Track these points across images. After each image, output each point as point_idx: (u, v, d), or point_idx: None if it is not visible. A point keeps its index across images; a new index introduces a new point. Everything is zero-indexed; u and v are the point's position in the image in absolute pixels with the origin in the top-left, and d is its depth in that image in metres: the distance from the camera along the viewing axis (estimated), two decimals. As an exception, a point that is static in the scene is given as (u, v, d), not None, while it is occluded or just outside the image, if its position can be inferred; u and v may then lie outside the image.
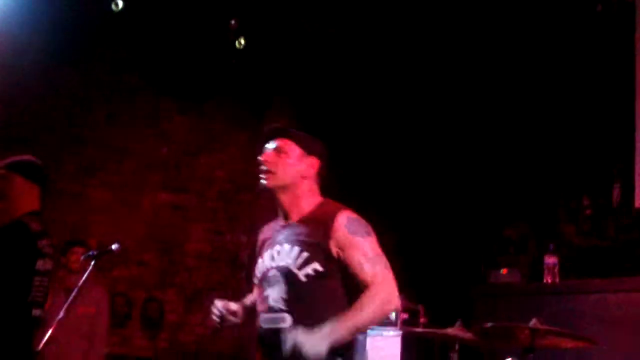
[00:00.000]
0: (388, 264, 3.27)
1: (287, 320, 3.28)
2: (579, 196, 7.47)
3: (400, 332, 6.11)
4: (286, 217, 3.50)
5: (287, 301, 3.32)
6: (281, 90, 9.66)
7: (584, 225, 7.42)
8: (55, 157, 8.01)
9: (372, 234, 3.34)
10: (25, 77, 8.15)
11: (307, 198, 3.48)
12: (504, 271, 7.35)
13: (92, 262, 5.05)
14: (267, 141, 3.54)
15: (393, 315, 6.19)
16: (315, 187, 3.52)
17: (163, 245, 9.08)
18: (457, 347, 5.02)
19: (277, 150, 3.48)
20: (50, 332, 4.33)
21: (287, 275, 3.32)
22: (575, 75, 7.44)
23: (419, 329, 5.99)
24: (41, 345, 4.07)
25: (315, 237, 3.32)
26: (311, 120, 9.43)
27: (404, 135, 8.88)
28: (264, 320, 3.40)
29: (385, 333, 6.15)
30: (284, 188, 3.45)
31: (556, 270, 6.68)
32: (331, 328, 3.12)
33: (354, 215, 3.38)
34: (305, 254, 3.30)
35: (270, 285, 3.39)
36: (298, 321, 3.23)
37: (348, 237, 3.29)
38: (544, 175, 7.79)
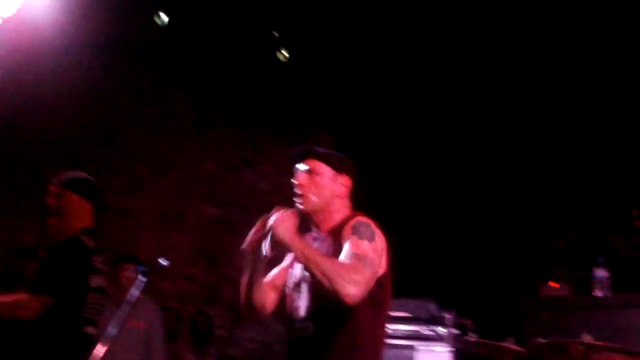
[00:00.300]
0: (370, 266, 3.14)
1: (311, 329, 3.31)
2: (628, 208, 7.36)
3: (450, 348, 6.05)
4: (318, 229, 3.50)
5: (311, 312, 3.34)
6: (324, 103, 9.67)
7: (633, 237, 7.31)
8: (103, 172, 8.08)
9: (375, 239, 3.24)
10: (74, 92, 8.25)
11: (339, 213, 3.48)
12: (553, 284, 7.24)
13: (143, 278, 5.10)
14: (297, 162, 3.55)
15: (443, 331, 6.14)
16: (348, 203, 3.52)
17: (210, 259, 9.12)
18: (505, 363, 4.96)
19: (310, 172, 3.48)
20: (102, 347, 4.35)
21: (313, 286, 3.34)
22: (627, 87, 7.34)
23: (471, 342, 5.90)
24: (91, 360, 4.09)
25: (337, 247, 3.31)
26: (352, 134, 9.49)
27: (452, 149, 8.81)
28: (294, 329, 3.41)
29: (435, 348, 6.09)
30: (320, 211, 3.46)
31: (607, 283, 6.57)
32: (301, 239, 3.20)
33: (364, 220, 3.34)
34: None
35: (300, 295, 3.42)
36: (320, 330, 3.26)
37: (348, 236, 3.25)
38: (593, 187, 7.69)
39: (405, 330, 6.26)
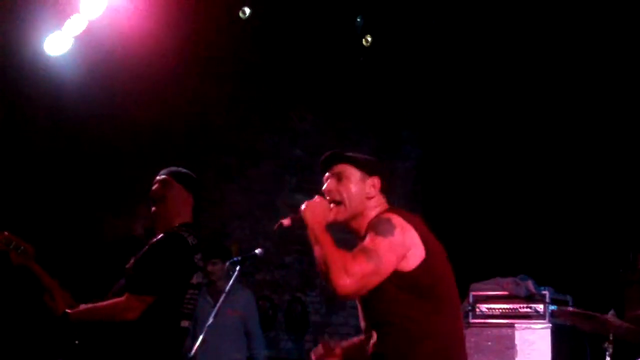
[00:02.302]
0: (375, 261, 3.08)
1: (373, 339, 3.28)
2: None
3: (549, 325, 5.95)
4: (358, 232, 3.41)
5: (366, 319, 3.35)
6: (409, 87, 9.62)
7: None
8: (195, 164, 8.19)
9: (393, 233, 3.15)
10: (161, 88, 8.38)
11: (373, 211, 3.40)
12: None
13: (237, 268, 5.18)
14: (325, 169, 3.50)
15: (541, 308, 6.05)
16: (382, 200, 3.43)
17: (302, 247, 9.16)
18: (611, 337, 4.84)
19: (338, 177, 3.43)
20: (201, 337, 4.43)
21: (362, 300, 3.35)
22: None
23: (569, 313, 5.78)
24: (193, 351, 4.15)
25: None
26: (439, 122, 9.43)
27: (543, 121, 8.66)
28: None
29: (534, 326, 6.00)
30: (355, 217, 3.39)
31: None
32: (322, 226, 3.23)
33: (385, 216, 3.25)
34: None
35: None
36: (378, 335, 3.25)
37: (367, 233, 3.22)
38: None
39: (503, 309, 6.20)
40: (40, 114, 7.85)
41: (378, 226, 3.20)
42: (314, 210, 3.31)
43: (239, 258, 5.24)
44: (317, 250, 3.19)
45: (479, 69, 8.78)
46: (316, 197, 3.38)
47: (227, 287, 5.00)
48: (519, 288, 6.16)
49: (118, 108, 8.10)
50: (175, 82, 8.51)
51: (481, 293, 6.36)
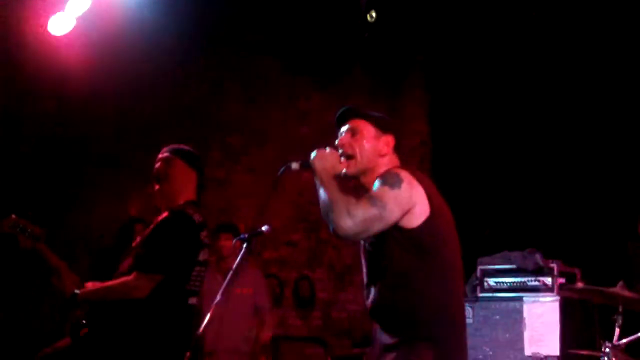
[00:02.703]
0: (379, 207, 3.12)
1: (374, 295, 3.34)
2: None
3: (558, 297, 5.94)
4: (367, 188, 3.41)
5: (370, 276, 3.37)
6: (415, 60, 9.58)
7: None
8: (200, 144, 8.18)
9: (399, 186, 3.17)
10: (164, 65, 8.36)
11: (385, 168, 3.41)
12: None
13: (244, 245, 5.17)
14: (340, 124, 3.51)
15: (549, 281, 6.04)
16: (394, 159, 3.45)
17: (309, 224, 9.17)
18: (620, 309, 4.83)
19: (352, 132, 3.45)
20: (209, 314, 4.43)
21: (367, 253, 3.37)
22: None
23: (578, 289, 5.76)
24: (201, 328, 4.16)
25: None
26: (448, 93, 9.38)
27: (548, 99, 8.62)
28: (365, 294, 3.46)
29: (542, 299, 5.99)
30: (365, 172, 3.41)
31: None
32: (329, 173, 3.30)
33: (394, 170, 3.29)
34: None
35: (364, 264, 3.45)
36: (379, 292, 3.29)
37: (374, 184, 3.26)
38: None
39: (511, 283, 6.18)
40: (44, 94, 7.84)
41: (386, 178, 3.22)
42: (324, 158, 3.35)
43: (246, 235, 5.25)
44: (322, 194, 3.25)
45: (487, 40, 8.72)
46: (328, 148, 3.40)
47: (235, 265, 5.02)
48: (527, 261, 6.14)
49: (122, 88, 8.08)
50: (180, 61, 8.49)
51: (489, 267, 6.35)
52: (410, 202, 3.17)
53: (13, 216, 4.23)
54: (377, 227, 3.15)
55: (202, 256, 4.18)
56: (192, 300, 4.17)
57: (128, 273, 4.03)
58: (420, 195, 3.20)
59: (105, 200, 7.93)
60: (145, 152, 8.16)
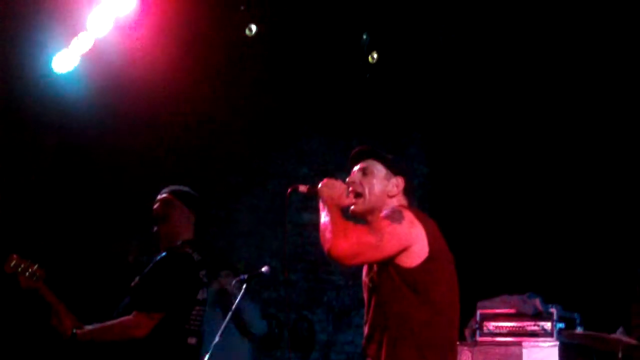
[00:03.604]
0: (376, 236, 3.17)
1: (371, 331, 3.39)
2: None
3: (557, 343, 5.92)
4: None
5: (370, 315, 3.41)
6: (416, 105, 9.63)
7: None
8: (202, 183, 8.19)
9: (400, 222, 3.22)
10: (165, 103, 8.40)
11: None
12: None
13: (244, 286, 5.19)
14: (354, 164, 3.57)
15: (549, 326, 6.02)
16: (403, 201, 3.49)
17: (309, 264, 9.15)
18: (620, 355, 4.82)
19: (364, 171, 3.51)
20: (207, 355, 4.43)
21: (369, 290, 3.42)
22: None
23: (577, 334, 5.75)
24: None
25: None
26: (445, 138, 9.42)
27: (551, 143, 8.63)
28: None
29: (541, 344, 5.97)
30: (372, 211, 3.44)
31: None
32: (335, 203, 3.34)
33: (398, 208, 3.35)
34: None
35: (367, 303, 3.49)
36: (376, 327, 3.32)
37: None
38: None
39: (510, 327, 6.17)
40: (47, 132, 7.87)
41: (389, 213, 3.28)
42: (332, 187, 3.41)
43: (246, 276, 5.27)
44: (323, 217, 3.29)
45: (486, 86, 8.78)
46: (338, 180, 3.46)
47: (234, 306, 5.03)
48: (527, 306, 6.13)
49: (125, 127, 8.12)
50: (182, 100, 8.53)
51: (488, 311, 6.33)
52: (408, 240, 3.20)
53: (15, 256, 4.25)
54: (371, 255, 3.19)
55: (201, 295, 4.18)
56: (191, 340, 4.17)
57: (126, 312, 4.02)
58: (419, 236, 3.23)
59: (105, 238, 7.93)
60: (146, 191, 8.24)
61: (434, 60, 8.93)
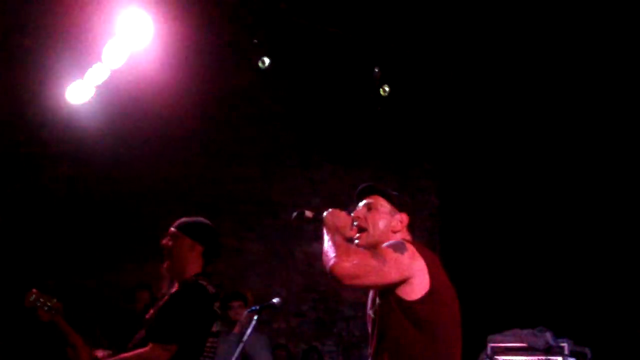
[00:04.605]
0: (379, 261, 3.19)
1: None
2: None
3: (569, 378, 5.90)
4: None
5: (374, 344, 3.39)
6: (427, 137, 9.67)
7: None
8: (213, 214, 8.22)
9: (402, 253, 3.26)
10: (178, 133, 8.47)
11: None
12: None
13: (255, 317, 5.19)
14: (360, 200, 3.62)
15: (560, 360, 6.01)
16: (406, 236, 3.52)
17: (319, 295, 9.15)
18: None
19: (369, 206, 3.55)
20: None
21: (370, 319, 3.44)
22: None
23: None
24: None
25: None
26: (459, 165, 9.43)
27: (559, 175, 8.64)
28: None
29: (554, 378, 5.96)
30: (375, 245, 3.43)
31: None
32: (339, 231, 3.35)
33: (402, 241, 3.37)
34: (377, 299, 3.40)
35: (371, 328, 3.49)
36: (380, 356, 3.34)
37: None
38: None
39: (521, 361, 6.15)
40: (61, 162, 7.94)
41: (391, 243, 3.32)
42: (337, 217, 3.44)
43: (257, 307, 5.27)
44: (326, 242, 3.31)
45: (496, 118, 8.79)
46: (344, 212, 3.50)
47: (245, 337, 5.03)
48: (538, 340, 6.12)
49: (138, 157, 8.19)
50: (195, 131, 8.60)
51: (499, 344, 6.32)
52: (409, 271, 3.24)
53: (34, 291, 4.34)
54: (372, 279, 3.20)
55: (215, 327, 4.20)
56: None
57: (142, 344, 4.04)
58: (421, 269, 3.27)
59: (119, 265, 7.98)
60: (157, 220, 8.28)
61: (444, 93, 8.98)
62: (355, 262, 3.17)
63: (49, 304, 4.32)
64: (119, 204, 8.19)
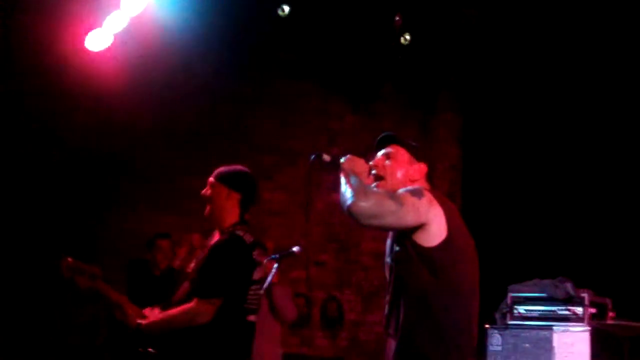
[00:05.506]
0: (395, 202, 3.21)
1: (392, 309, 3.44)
2: None
3: (588, 328, 5.87)
4: None
5: (391, 291, 3.44)
6: (448, 84, 9.59)
7: None
8: (232, 163, 8.21)
9: (419, 198, 3.26)
10: (199, 86, 8.43)
11: None
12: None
13: (276, 265, 5.21)
14: (378, 149, 3.63)
15: (580, 310, 5.98)
16: (425, 185, 3.53)
17: (339, 245, 9.17)
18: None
19: (387, 156, 3.57)
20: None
21: (388, 266, 3.48)
22: None
23: (609, 323, 5.71)
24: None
25: None
26: (480, 114, 9.36)
27: (582, 128, 8.55)
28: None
29: (572, 329, 5.92)
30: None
31: None
32: (352, 170, 3.36)
33: (420, 187, 3.40)
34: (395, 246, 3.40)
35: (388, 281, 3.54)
36: (396, 304, 3.37)
37: None
38: None
39: (541, 311, 6.11)
40: (79, 110, 7.93)
41: (409, 188, 3.34)
42: (355, 162, 3.43)
43: (277, 255, 5.29)
44: (344, 184, 3.31)
45: (520, 64, 8.69)
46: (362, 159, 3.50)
47: (266, 284, 5.04)
48: (558, 290, 6.07)
49: (156, 106, 8.17)
50: (214, 80, 8.56)
51: (519, 294, 6.29)
52: (426, 217, 3.25)
53: (69, 259, 4.32)
54: (389, 220, 3.22)
55: (256, 275, 4.25)
56: (251, 318, 4.25)
57: (186, 300, 4.10)
58: (438, 216, 3.28)
59: (139, 214, 8.02)
60: (178, 169, 8.31)
61: (465, 41, 8.90)
62: (372, 201, 3.19)
63: (86, 270, 4.29)
64: (137, 154, 8.20)
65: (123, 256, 7.35)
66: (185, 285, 4.22)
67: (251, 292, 4.20)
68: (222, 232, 4.28)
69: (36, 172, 7.74)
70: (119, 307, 4.29)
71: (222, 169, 4.40)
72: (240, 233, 4.21)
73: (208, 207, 4.31)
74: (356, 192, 3.21)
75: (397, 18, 8.31)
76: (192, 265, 4.33)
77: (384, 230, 3.45)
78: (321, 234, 9.06)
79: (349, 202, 3.21)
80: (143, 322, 4.18)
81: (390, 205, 3.20)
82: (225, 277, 4.08)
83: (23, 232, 7.52)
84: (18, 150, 7.71)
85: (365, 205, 3.18)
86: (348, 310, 9.17)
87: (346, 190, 3.27)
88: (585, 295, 6.06)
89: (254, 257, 4.24)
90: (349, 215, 3.23)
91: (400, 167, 3.53)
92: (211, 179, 4.35)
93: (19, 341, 7.37)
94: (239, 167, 4.44)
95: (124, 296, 4.36)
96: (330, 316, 9.08)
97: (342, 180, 3.35)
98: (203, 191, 4.33)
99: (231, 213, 4.30)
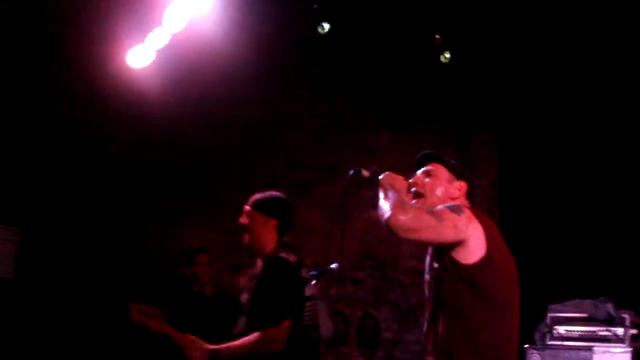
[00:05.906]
0: (434, 217, 3.18)
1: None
2: None
3: (629, 349, 5.81)
4: None
5: (431, 307, 3.42)
6: (486, 102, 9.55)
7: None
8: (270, 180, 8.26)
9: (459, 214, 3.23)
10: (237, 99, 8.50)
11: None
12: None
13: (314, 282, 5.22)
14: (418, 167, 3.62)
15: (621, 331, 5.91)
16: (465, 203, 3.51)
17: (376, 262, 9.15)
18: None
19: (427, 173, 3.56)
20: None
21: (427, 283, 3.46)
22: None
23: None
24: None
25: None
26: (515, 135, 9.31)
27: (623, 151, 8.47)
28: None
29: (613, 350, 5.87)
30: None
31: None
32: (392, 186, 3.38)
33: (460, 204, 3.37)
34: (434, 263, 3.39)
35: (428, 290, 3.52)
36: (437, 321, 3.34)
37: None
38: None
39: (581, 332, 6.07)
40: (122, 126, 8.02)
41: (448, 205, 3.32)
42: (394, 179, 3.47)
43: (316, 272, 5.30)
44: (382, 199, 3.30)
45: (560, 84, 8.65)
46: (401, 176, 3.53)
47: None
48: (599, 311, 6.03)
49: (199, 122, 8.24)
50: (254, 96, 8.61)
51: (559, 315, 6.24)
52: (465, 233, 3.22)
53: (136, 305, 4.33)
54: (427, 234, 3.19)
55: (307, 292, 4.27)
56: (314, 334, 4.27)
57: (246, 332, 4.12)
58: (477, 233, 3.26)
59: (179, 229, 8.07)
60: (216, 185, 8.36)
61: (506, 60, 8.86)
62: (411, 215, 3.17)
63: (154, 315, 4.34)
64: (179, 168, 8.26)
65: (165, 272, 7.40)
66: (244, 319, 4.24)
67: (307, 309, 4.23)
68: (264, 259, 4.30)
69: (84, 188, 7.84)
70: (188, 347, 4.24)
71: (257, 195, 4.41)
72: (283, 255, 4.24)
73: (246, 236, 4.33)
74: (395, 206, 3.20)
75: (438, 36, 8.32)
76: (245, 296, 4.34)
77: (422, 244, 3.43)
78: (358, 251, 9.05)
79: (387, 215, 3.19)
80: (218, 353, 4.09)
81: (429, 219, 3.18)
82: (285, 298, 4.10)
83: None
84: (67, 167, 7.81)
85: (403, 218, 3.16)
86: (384, 329, 9.13)
87: (385, 204, 3.27)
88: (626, 316, 6.01)
89: (303, 274, 4.27)
90: (387, 228, 3.21)
91: (440, 184, 3.52)
92: (247, 207, 4.36)
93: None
94: (274, 193, 4.46)
95: (188, 335, 4.26)
96: (366, 334, 9.06)
97: (381, 195, 3.36)
98: (240, 220, 4.35)
99: (270, 240, 4.32)
